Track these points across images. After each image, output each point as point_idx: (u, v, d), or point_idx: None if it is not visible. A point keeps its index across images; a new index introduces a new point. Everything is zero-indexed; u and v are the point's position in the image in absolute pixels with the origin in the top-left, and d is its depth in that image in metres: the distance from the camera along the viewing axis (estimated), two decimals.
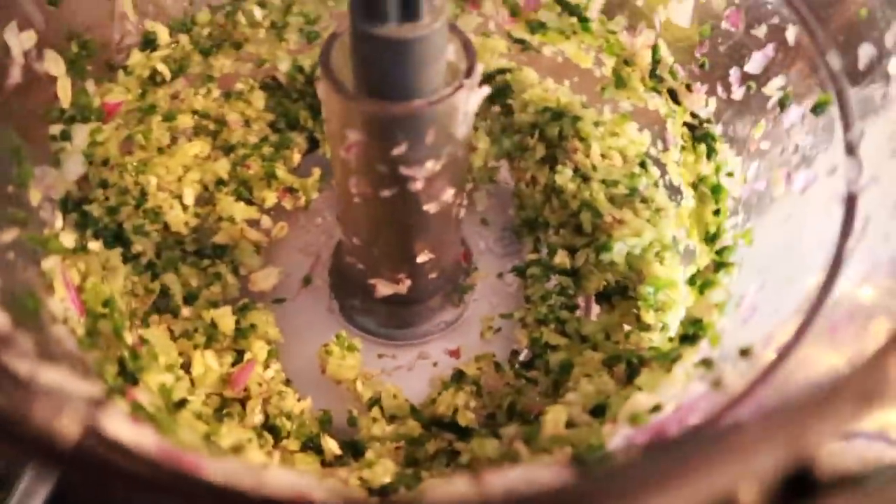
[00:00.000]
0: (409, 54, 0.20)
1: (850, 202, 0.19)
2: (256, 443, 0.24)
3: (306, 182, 0.34)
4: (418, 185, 0.24)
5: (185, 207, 0.32)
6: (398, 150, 0.22)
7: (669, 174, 0.31)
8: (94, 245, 0.26)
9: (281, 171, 0.34)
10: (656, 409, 0.20)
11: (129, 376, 0.22)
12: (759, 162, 0.25)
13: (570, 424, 0.22)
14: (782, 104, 0.24)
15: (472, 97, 0.23)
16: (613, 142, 0.33)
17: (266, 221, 0.33)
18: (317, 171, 0.35)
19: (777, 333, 0.18)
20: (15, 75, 0.23)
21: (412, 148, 0.22)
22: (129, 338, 0.24)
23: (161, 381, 0.24)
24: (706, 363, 0.20)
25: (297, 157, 0.35)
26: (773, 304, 0.20)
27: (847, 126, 0.20)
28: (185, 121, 0.33)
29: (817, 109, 0.22)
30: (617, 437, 0.19)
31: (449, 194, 0.25)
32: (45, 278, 0.22)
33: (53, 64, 0.25)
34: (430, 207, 0.25)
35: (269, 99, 0.35)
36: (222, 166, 0.34)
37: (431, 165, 0.23)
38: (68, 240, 0.24)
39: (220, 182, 0.34)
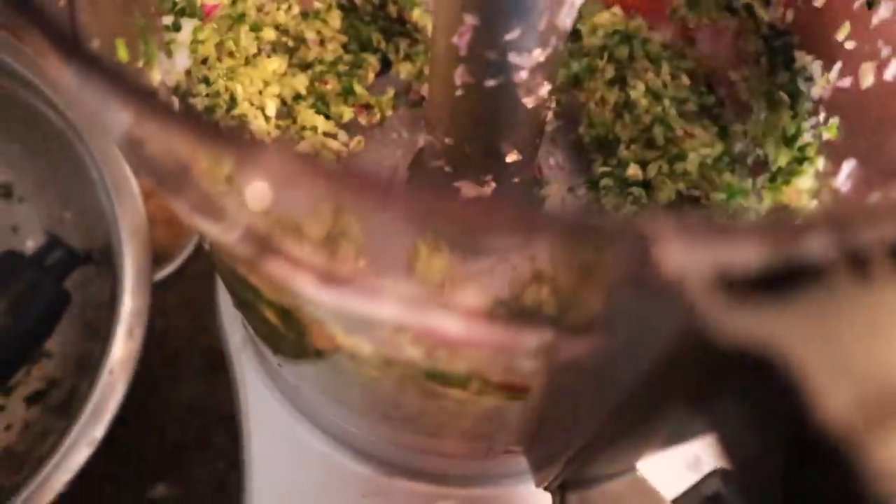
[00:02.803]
0: None
1: None
2: None
3: (381, 99, 0.35)
4: (523, 76, 0.25)
5: (267, 119, 0.33)
6: (511, 35, 0.23)
7: (738, 90, 0.33)
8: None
9: (358, 88, 0.35)
10: None
11: None
12: (843, 62, 0.26)
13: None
14: (870, 3, 0.25)
15: None
16: (680, 62, 0.34)
17: (343, 136, 0.34)
18: (391, 90, 0.36)
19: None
20: None
21: (524, 34, 0.24)
22: None
23: None
24: None
25: (371, 77, 0.36)
26: (869, 176, 0.21)
27: None
28: (269, 34, 0.34)
29: None
30: None
31: (545, 90, 0.26)
32: None
33: None
34: (529, 101, 0.26)
35: (343, 20, 0.37)
36: (300, 81, 0.35)
37: (538, 55, 0.24)
38: None
39: (297, 97, 0.35)
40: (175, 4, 0.27)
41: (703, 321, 0.10)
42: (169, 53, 0.26)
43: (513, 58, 0.24)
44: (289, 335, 0.24)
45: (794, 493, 0.10)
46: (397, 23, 0.37)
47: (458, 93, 0.26)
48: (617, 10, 0.36)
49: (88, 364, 0.44)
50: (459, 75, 0.26)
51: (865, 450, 0.09)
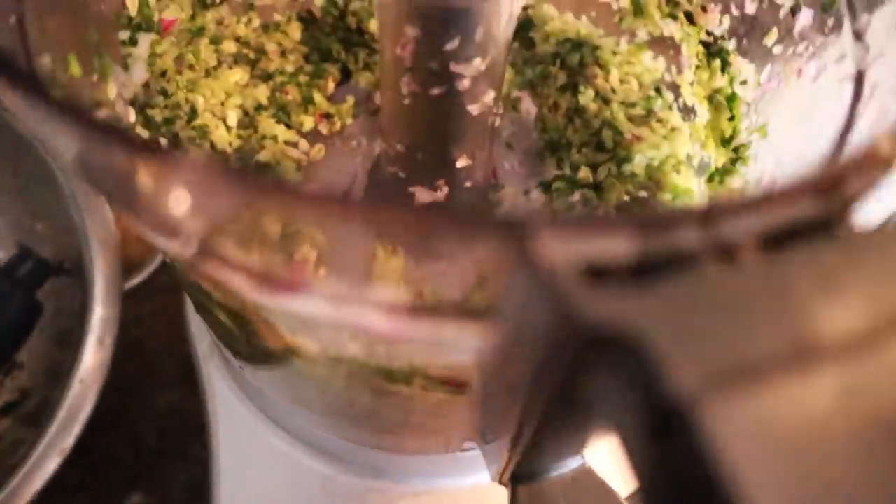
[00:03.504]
0: None
1: (859, 77, 0.22)
2: None
3: (341, 108, 0.36)
4: (465, 84, 0.26)
5: (228, 129, 0.34)
6: (451, 45, 0.25)
7: (683, 96, 0.34)
8: (164, 142, 0.28)
9: (318, 97, 0.36)
10: None
11: None
12: (772, 65, 0.27)
13: None
14: (793, 10, 0.26)
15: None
16: (630, 69, 0.36)
17: (304, 144, 0.35)
18: (350, 99, 0.37)
19: None
20: None
21: (463, 44, 0.25)
22: None
23: None
24: None
25: (331, 86, 0.37)
26: (791, 172, 0.23)
27: (854, 18, 0.23)
28: (229, 46, 0.35)
29: (826, 7, 0.24)
30: None
31: (490, 97, 0.28)
32: None
33: None
34: (474, 108, 0.27)
35: (303, 32, 0.38)
36: (262, 92, 0.36)
37: (478, 63, 0.26)
38: (144, 133, 0.26)
39: (259, 107, 0.36)
40: (131, 20, 0.27)
41: (570, 307, 0.11)
42: (126, 67, 0.27)
43: (454, 67, 0.25)
44: (242, 337, 0.24)
45: (647, 464, 0.11)
46: (356, 34, 0.38)
47: (406, 101, 0.27)
48: (569, 17, 0.38)
49: (60, 373, 0.45)
50: (406, 84, 0.27)
51: (702, 415, 0.10)
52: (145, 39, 0.29)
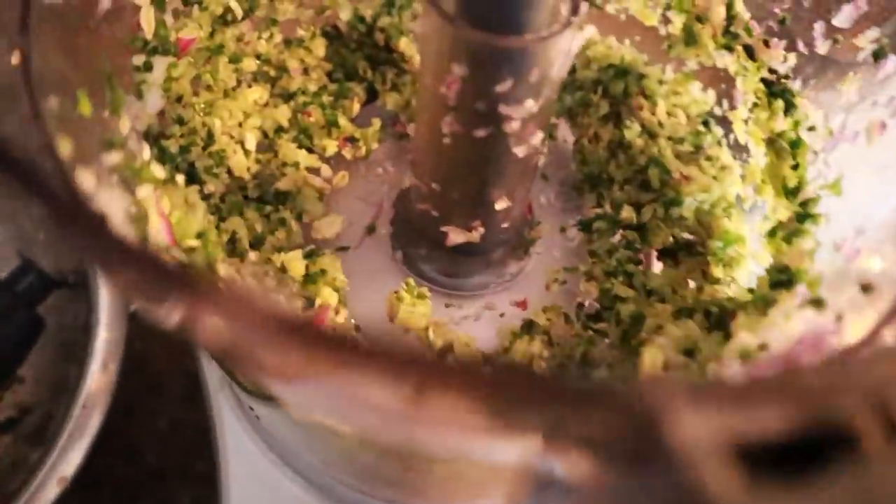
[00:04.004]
0: None
1: None
2: None
3: (367, 132, 0.34)
4: (514, 126, 0.24)
5: (247, 153, 0.32)
6: (502, 87, 0.22)
7: (735, 132, 0.31)
8: (179, 179, 0.25)
9: (342, 120, 0.34)
10: (763, 347, 0.20)
11: None
12: (847, 114, 0.25)
13: (665, 366, 0.22)
14: (876, 56, 0.24)
15: (577, 38, 0.22)
16: (677, 100, 0.33)
17: (326, 170, 0.33)
18: (377, 122, 0.34)
19: (892, 270, 0.18)
20: (105, 1, 0.23)
21: (516, 85, 0.22)
22: (224, 270, 0.23)
23: None
24: (816, 303, 0.20)
25: (356, 108, 0.35)
26: (877, 244, 0.20)
27: None
28: (250, 64, 0.32)
29: None
30: (727, 373, 0.20)
31: (538, 138, 0.25)
32: (140, 207, 0.22)
33: None
34: (519, 150, 0.25)
35: (328, 48, 0.35)
36: (283, 113, 0.33)
37: (530, 105, 0.23)
38: (159, 170, 0.24)
39: (279, 129, 0.33)
40: (146, 43, 0.25)
41: (715, 500, 0.09)
42: (139, 95, 0.25)
43: (503, 108, 0.23)
44: (267, 403, 0.22)
45: None
46: (384, 51, 0.35)
47: (446, 140, 0.25)
48: (612, 41, 0.35)
49: (64, 388, 0.43)
50: (447, 124, 0.24)
51: None
52: (161, 63, 0.26)
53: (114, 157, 0.20)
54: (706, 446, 0.09)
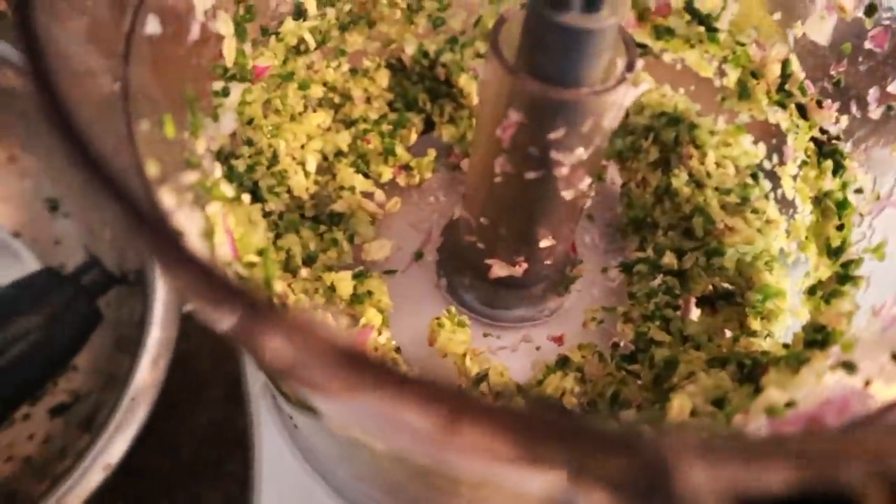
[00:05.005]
0: (586, 44, 0.21)
1: None
2: None
3: (422, 161, 0.35)
4: (564, 171, 0.25)
5: (307, 174, 0.34)
6: (555, 135, 0.23)
7: (783, 188, 0.32)
8: (245, 197, 0.27)
9: (399, 149, 0.35)
10: (790, 404, 0.20)
11: None
12: None
13: (692, 413, 0.23)
14: None
15: (630, 93, 0.23)
16: (727, 152, 0.34)
17: (380, 195, 0.35)
18: (432, 152, 0.36)
19: None
20: (195, 32, 0.25)
21: (568, 134, 0.23)
22: (279, 287, 0.25)
23: None
24: (847, 366, 0.21)
25: (413, 137, 0.36)
26: None
27: None
28: (317, 91, 0.34)
29: None
30: (752, 427, 0.20)
31: (586, 183, 0.26)
32: (208, 223, 0.24)
33: (224, 24, 0.27)
34: (568, 194, 0.26)
35: (391, 79, 0.37)
36: (343, 138, 0.35)
37: (581, 153, 0.24)
38: (228, 189, 0.25)
39: (339, 153, 0.35)
40: (226, 70, 0.27)
41: None
42: (215, 118, 0.27)
43: (555, 154, 0.24)
44: (307, 414, 0.24)
45: None
46: (444, 85, 0.37)
47: (497, 179, 0.26)
48: (667, 89, 0.36)
49: (116, 380, 0.45)
50: (500, 164, 0.25)
51: None
52: (237, 88, 0.28)
53: (191, 177, 0.22)
54: (710, 496, 0.10)
